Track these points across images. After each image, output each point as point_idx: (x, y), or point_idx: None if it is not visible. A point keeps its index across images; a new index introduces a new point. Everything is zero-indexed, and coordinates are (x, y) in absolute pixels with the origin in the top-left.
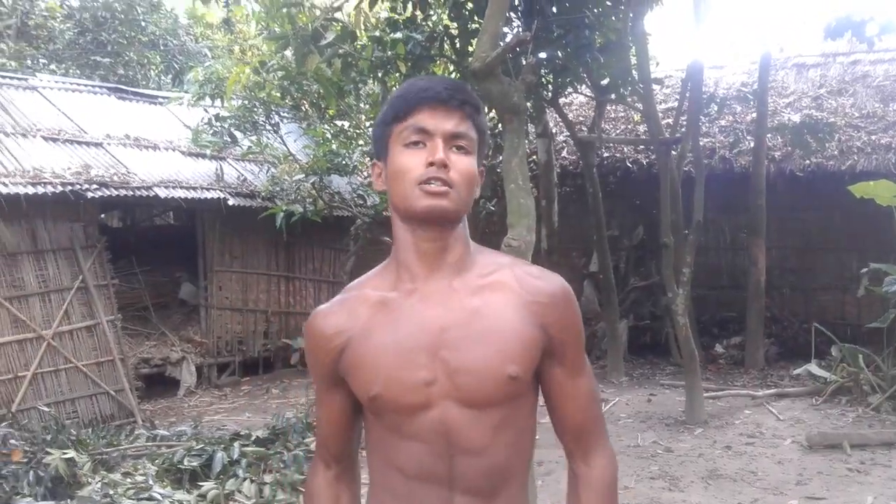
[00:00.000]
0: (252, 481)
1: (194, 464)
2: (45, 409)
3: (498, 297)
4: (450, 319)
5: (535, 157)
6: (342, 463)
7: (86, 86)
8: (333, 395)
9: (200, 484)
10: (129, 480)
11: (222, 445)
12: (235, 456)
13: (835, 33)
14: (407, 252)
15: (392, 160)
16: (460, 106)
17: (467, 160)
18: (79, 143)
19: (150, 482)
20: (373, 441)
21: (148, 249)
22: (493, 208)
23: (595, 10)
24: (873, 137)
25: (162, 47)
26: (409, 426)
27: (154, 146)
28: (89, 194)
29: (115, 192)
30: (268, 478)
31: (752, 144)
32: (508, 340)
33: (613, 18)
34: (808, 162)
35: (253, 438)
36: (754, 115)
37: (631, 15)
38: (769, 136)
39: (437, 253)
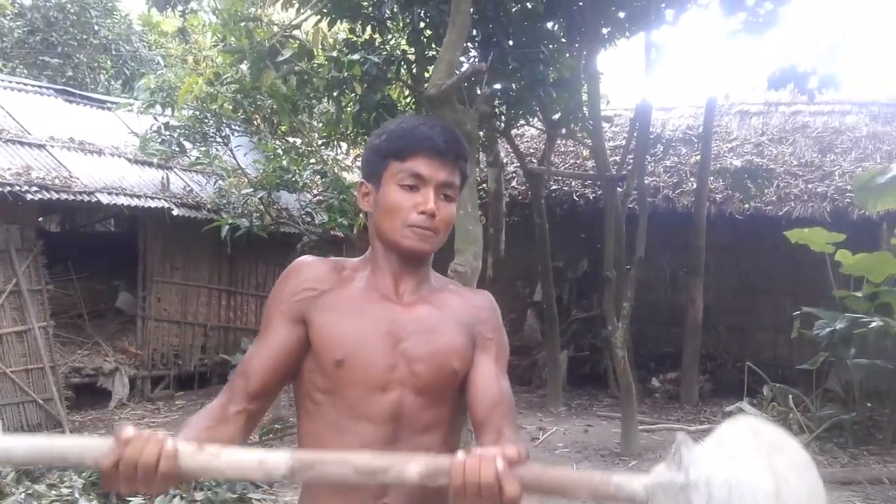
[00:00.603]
0: (182, 498)
1: None
2: None
3: (445, 305)
4: (410, 318)
5: (485, 185)
6: (252, 404)
7: (32, 86)
8: (286, 329)
9: (129, 499)
10: (53, 492)
11: None
12: None
13: (777, 84)
14: (382, 262)
15: (385, 195)
16: (455, 159)
17: (451, 208)
18: (21, 143)
19: (77, 495)
20: (314, 427)
21: (86, 256)
22: None
23: (550, 46)
24: (810, 186)
25: (114, 52)
26: (364, 405)
27: (99, 151)
28: (28, 196)
29: (55, 196)
30: (198, 495)
31: (694, 186)
32: (453, 340)
33: (567, 55)
34: (747, 206)
35: None
36: (698, 157)
37: (585, 53)
38: (711, 178)
39: (407, 270)
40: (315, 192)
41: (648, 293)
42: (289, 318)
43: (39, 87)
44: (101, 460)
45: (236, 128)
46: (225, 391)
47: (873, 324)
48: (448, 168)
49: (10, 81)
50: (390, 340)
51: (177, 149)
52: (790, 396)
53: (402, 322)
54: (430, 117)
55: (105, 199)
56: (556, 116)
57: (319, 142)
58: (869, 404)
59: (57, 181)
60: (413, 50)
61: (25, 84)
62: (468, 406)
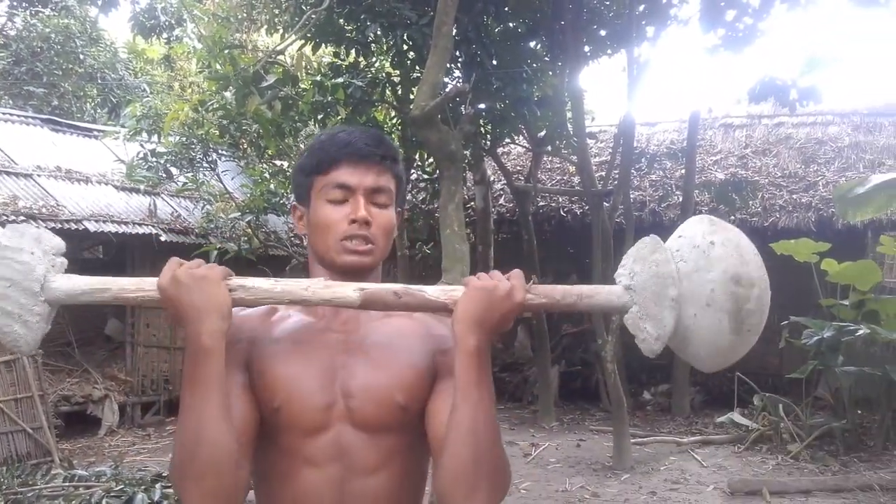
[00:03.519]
0: None
1: None
2: None
3: (398, 330)
4: (351, 347)
5: (472, 203)
6: (249, 462)
7: (18, 116)
8: (240, 375)
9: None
10: None
11: (143, 486)
12: (157, 497)
13: (759, 97)
14: None
15: (315, 213)
16: (380, 161)
17: (386, 214)
18: (7, 173)
19: None
20: (262, 470)
21: None
22: (429, 252)
23: (533, 65)
24: (794, 196)
25: (99, 80)
26: (306, 448)
27: (86, 179)
28: None
29: (42, 225)
30: None
31: (680, 199)
32: (402, 371)
33: (550, 74)
34: (732, 218)
35: None
36: (683, 171)
37: (567, 71)
38: (696, 191)
39: None
40: None
41: None
42: (236, 364)
43: (25, 116)
44: (164, 274)
45: (223, 153)
46: None
47: (860, 331)
48: (374, 172)
49: None
50: (328, 376)
51: (163, 175)
52: (780, 405)
53: (342, 351)
54: (351, 125)
55: (92, 226)
56: (542, 134)
57: None
58: (859, 411)
59: (44, 210)
60: (397, 72)
61: (11, 114)
62: (429, 440)
